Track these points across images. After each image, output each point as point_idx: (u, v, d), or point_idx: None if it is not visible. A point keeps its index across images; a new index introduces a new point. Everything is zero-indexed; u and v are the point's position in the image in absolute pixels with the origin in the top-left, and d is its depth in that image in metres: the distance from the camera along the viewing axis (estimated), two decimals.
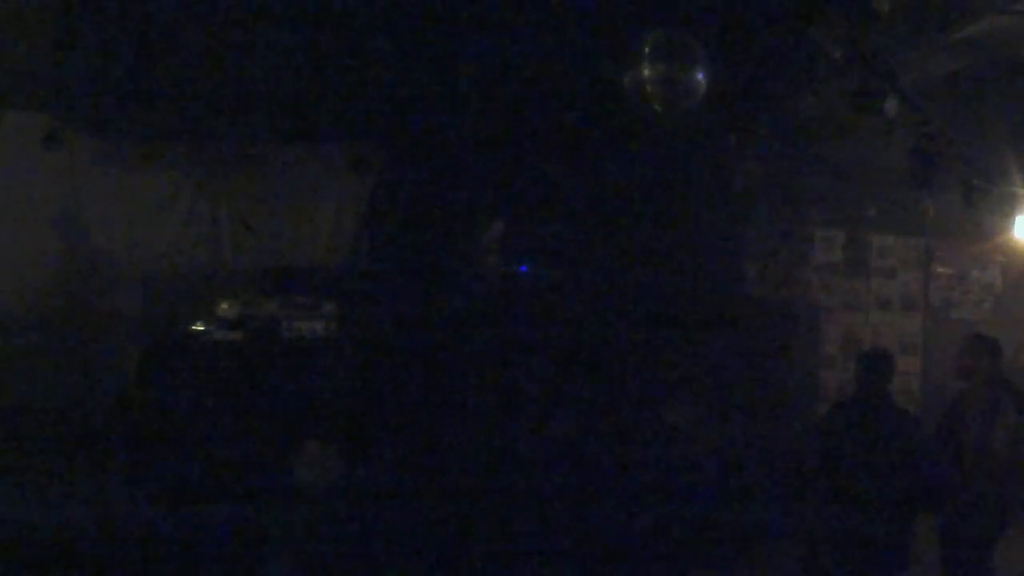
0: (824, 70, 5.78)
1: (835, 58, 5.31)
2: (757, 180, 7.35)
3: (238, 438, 5.87)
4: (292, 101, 6.54)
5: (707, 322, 7.05)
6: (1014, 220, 7.34)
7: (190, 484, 5.71)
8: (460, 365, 6.53)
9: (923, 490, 5.01)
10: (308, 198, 7.43)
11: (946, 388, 6.13)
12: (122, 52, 5.82)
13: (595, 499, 5.94)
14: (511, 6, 5.58)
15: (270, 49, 5.95)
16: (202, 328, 6.51)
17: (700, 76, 5.00)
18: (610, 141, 6.78)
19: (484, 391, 6.46)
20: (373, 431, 6.16)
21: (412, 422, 6.24)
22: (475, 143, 6.79)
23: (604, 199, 7.10)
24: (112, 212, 7.03)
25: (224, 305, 6.49)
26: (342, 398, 6.25)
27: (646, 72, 4.97)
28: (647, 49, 4.97)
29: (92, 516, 5.48)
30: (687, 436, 6.50)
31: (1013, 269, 8.41)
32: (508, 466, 6.07)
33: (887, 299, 8.32)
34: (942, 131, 6.12)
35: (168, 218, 7.18)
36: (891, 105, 5.40)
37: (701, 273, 7.27)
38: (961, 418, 5.49)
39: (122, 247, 7.04)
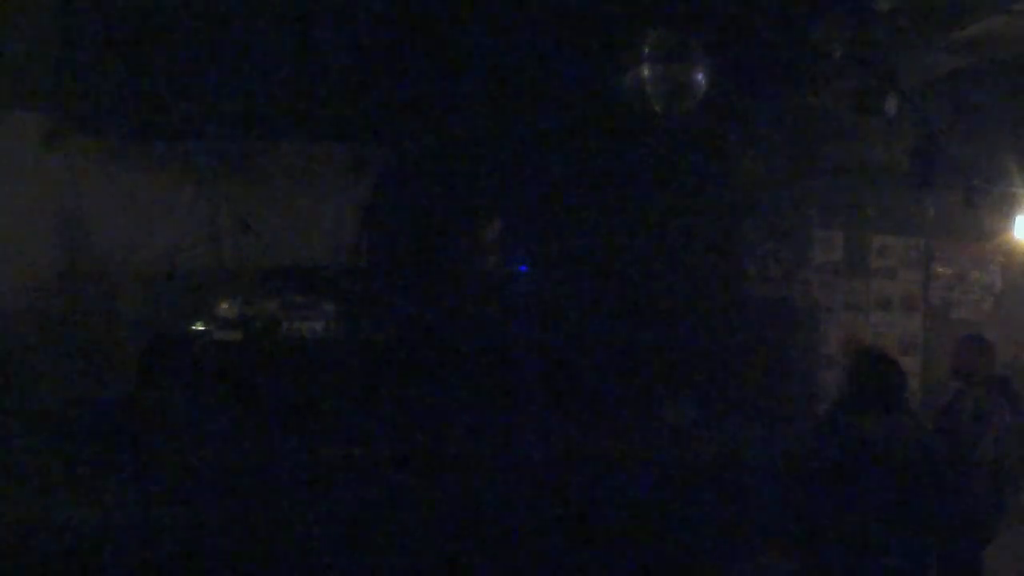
0: (824, 70, 5.79)
1: (835, 58, 5.31)
2: (757, 180, 7.36)
3: (238, 438, 5.88)
4: (292, 101, 6.54)
5: (707, 321, 7.05)
6: (1014, 220, 7.35)
7: (190, 484, 5.71)
8: (460, 365, 6.53)
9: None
10: (308, 198, 7.42)
11: (946, 388, 6.12)
12: (122, 52, 5.82)
13: (596, 499, 5.94)
14: (511, 5, 5.58)
15: (270, 49, 5.95)
16: (202, 328, 6.51)
17: (700, 76, 5.00)
18: (610, 141, 6.79)
19: (484, 391, 6.46)
20: (373, 431, 6.17)
21: (412, 422, 6.24)
22: (475, 143, 6.79)
23: (604, 199, 7.10)
24: (112, 212, 7.02)
25: (224, 305, 6.49)
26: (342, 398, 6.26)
27: (646, 72, 4.97)
28: (647, 49, 4.97)
29: (92, 516, 5.48)
30: (687, 436, 6.51)
31: (1013, 269, 8.41)
32: (509, 466, 6.08)
33: (887, 299, 8.31)
34: (942, 131, 6.12)
35: (168, 218, 7.17)
36: (891, 105, 5.41)
37: (701, 273, 7.28)
38: (956, 418, 5.49)
39: (122, 247, 7.03)
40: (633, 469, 6.15)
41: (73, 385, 6.52)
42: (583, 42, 5.77)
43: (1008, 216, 7.33)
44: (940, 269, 8.48)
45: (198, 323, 6.55)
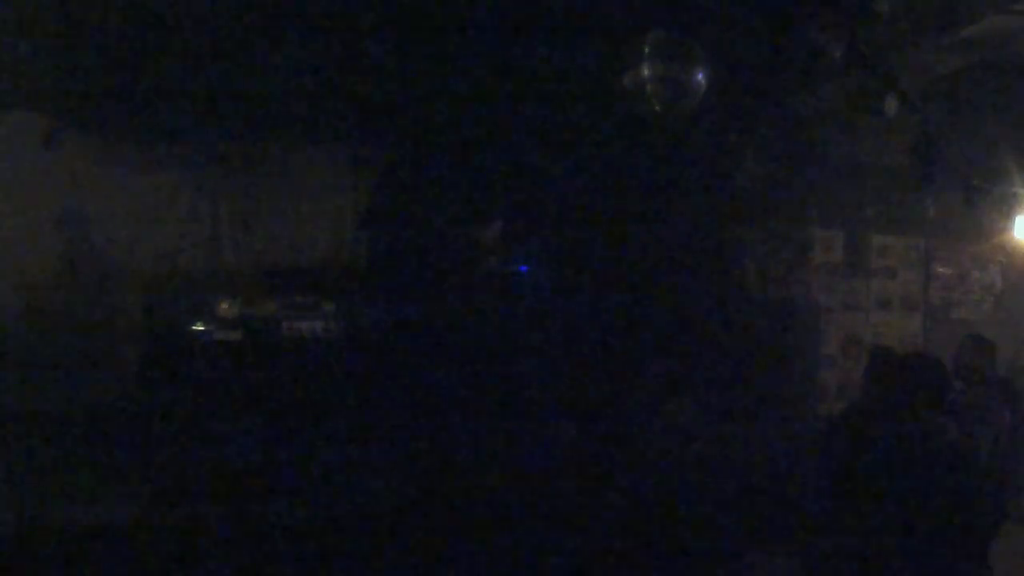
0: (824, 70, 5.79)
1: (835, 58, 5.31)
2: (757, 180, 7.35)
3: (238, 438, 5.88)
4: (292, 101, 6.54)
5: (707, 322, 7.05)
6: (1014, 220, 7.35)
7: (190, 484, 5.72)
8: (460, 365, 6.53)
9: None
10: (308, 198, 7.42)
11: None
12: (122, 52, 5.82)
13: (595, 499, 5.94)
14: (512, 5, 5.58)
15: (270, 49, 5.95)
16: (202, 328, 6.51)
17: (700, 76, 5.00)
18: (610, 141, 6.79)
19: (484, 391, 6.46)
20: (373, 431, 6.17)
21: (412, 422, 6.24)
22: (475, 143, 6.79)
23: (604, 199, 7.10)
24: (112, 212, 7.02)
25: (224, 305, 6.49)
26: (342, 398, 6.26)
27: (646, 72, 4.97)
28: (647, 49, 4.97)
29: (92, 516, 5.48)
30: (687, 436, 6.50)
31: (1013, 269, 8.41)
32: (508, 466, 6.08)
33: (887, 299, 8.31)
34: (942, 131, 6.12)
35: (168, 218, 7.17)
36: (891, 105, 5.41)
37: (701, 273, 7.28)
38: (956, 418, 5.49)
39: (122, 247, 7.04)
40: (634, 468, 6.15)
41: (73, 385, 6.52)
42: (583, 42, 5.77)
43: (1008, 216, 7.33)
44: (940, 269, 8.48)
45: (198, 323, 6.55)
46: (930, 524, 4.35)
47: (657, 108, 5.00)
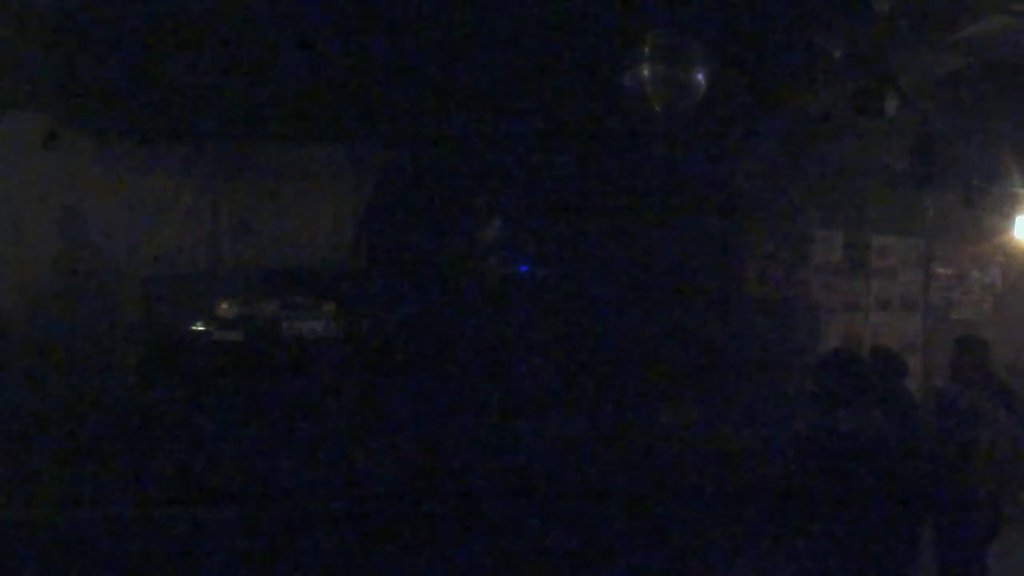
0: (824, 70, 5.79)
1: (835, 58, 5.31)
2: (757, 180, 7.35)
3: (238, 438, 5.89)
4: (292, 101, 6.54)
5: (706, 321, 7.06)
6: (1014, 220, 7.35)
7: (190, 484, 5.72)
8: (460, 364, 6.53)
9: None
10: (308, 198, 7.43)
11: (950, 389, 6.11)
12: (122, 52, 5.82)
13: (595, 498, 5.94)
14: (512, 6, 5.58)
15: (270, 49, 5.95)
16: (202, 328, 6.51)
17: (700, 76, 5.01)
18: (610, 141, 6.79)
19: (484, 390, 6.46)
20: (373, 431, 6.17)
21: (412, 422, 6.24)
22: (475, 143, 6.79)
23: (604, 199, 7.10)
24: (112, 212, 7.02)
25: (224, 305, 6.49)
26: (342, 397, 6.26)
27: (646, 72, 4.98)
28: (647, 49, 4.98)
29: (92, 516, 5.49)
30: (687, 436, 6.51)
31: (1013, 269, 8.41)
32: (508, 465, 6.08)
33: (887, 299, 8.31)
34: (942, 131, 6.12)
35: (168, 218, 7.17)
36: (891, 105, 5.41)
37: (701, 273, 7.28)
38: (952, 418, 5.49)
39: (122, 247, 7.04)
40: (633, 467, 6.16)
41: (73, 385, 6.53)
42: (583, 42, 5.77)
43: (1008, 216, 7.33)
44: (940, 269, 8.48)
45: (198, 323, 6.55)
46: (875, 517, 4.36)
47: (657, 108, 5.01)
